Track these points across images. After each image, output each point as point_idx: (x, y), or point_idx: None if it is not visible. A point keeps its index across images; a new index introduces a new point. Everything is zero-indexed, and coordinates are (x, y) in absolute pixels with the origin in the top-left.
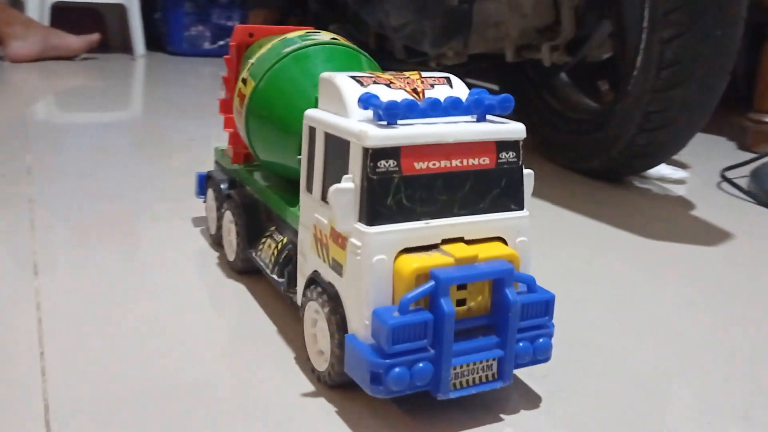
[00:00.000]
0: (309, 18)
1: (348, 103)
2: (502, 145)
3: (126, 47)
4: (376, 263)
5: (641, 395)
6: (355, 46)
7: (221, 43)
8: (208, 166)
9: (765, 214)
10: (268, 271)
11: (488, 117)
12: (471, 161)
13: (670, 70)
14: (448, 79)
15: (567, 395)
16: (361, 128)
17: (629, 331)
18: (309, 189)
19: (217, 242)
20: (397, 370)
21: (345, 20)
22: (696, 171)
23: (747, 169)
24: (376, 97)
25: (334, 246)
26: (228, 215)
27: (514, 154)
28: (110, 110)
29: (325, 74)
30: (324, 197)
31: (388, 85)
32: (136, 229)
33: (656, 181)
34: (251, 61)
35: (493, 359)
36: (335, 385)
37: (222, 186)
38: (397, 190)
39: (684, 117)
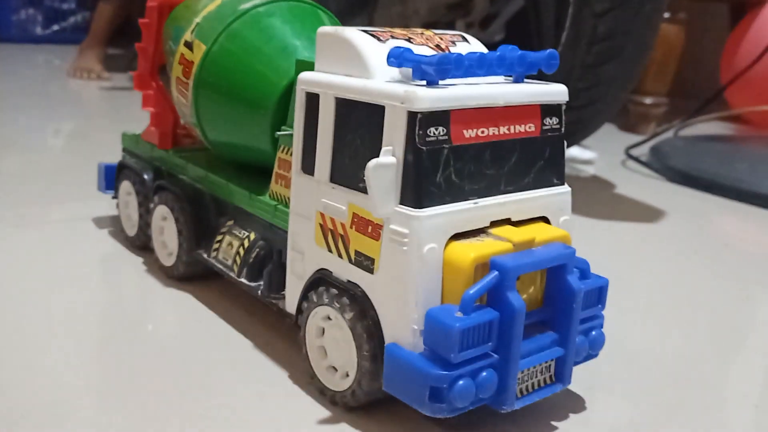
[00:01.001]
0: None
1: (370, 62)
2: (547, 110)
3: None
4: (427, 253)
5: (671, 380)
6: (319, 5)
7: (56, 27)
8: (57, 165)
9: (671, 187)
10: (232, 275)
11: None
12: (518, 128)
13: (602, 44)
14: (462, 36)
15: (605, 393)
16: (407, 89)
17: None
18: (307, 170)
19: (138, 245)
20: (461, 382)
21: None
22: (598, 150)
23: (646, 147)
24: (411, 51)
25: (360, 236)
26: (161, 211)
27: (557, 120)
28: None
29: (326, 29)
30: (333, 178)
31: (408, 41)
32: (13, 235)
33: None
34: (197, 20)
35: (552, 359)
36: (358, 406)
37: (146, 176)
38: (446, 163)
39: (611, 93)
